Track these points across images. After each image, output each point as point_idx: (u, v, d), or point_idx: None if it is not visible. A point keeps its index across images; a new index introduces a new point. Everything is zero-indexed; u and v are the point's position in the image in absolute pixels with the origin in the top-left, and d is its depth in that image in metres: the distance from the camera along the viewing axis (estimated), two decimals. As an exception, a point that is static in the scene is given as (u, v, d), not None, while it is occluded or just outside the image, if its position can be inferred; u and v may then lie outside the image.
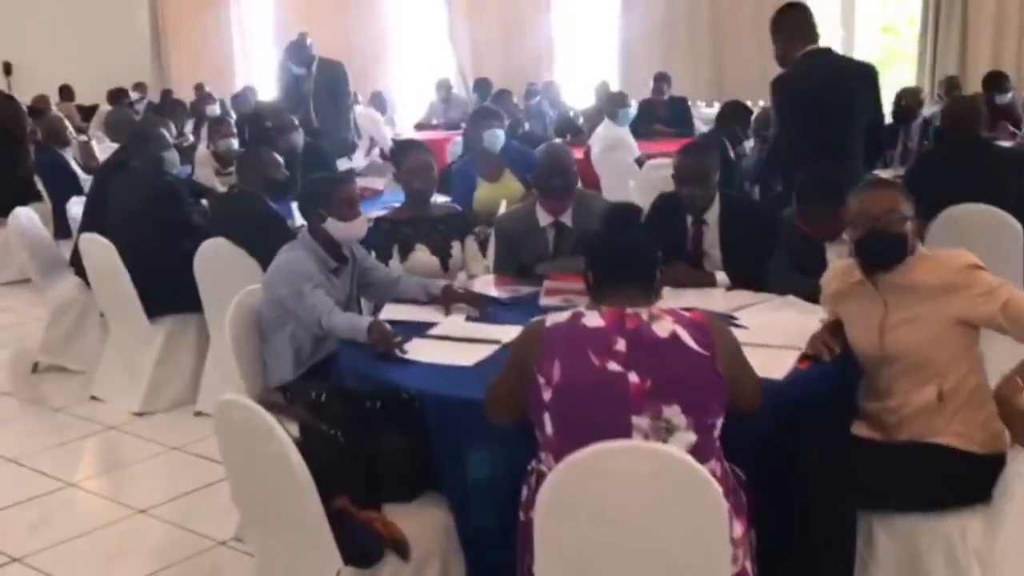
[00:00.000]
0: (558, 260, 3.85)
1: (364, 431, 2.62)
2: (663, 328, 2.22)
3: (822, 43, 4.43)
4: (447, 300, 3.46)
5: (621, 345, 2.20)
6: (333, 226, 3.50)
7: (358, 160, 7.75)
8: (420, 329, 3.19)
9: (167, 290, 4.71)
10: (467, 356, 2.92)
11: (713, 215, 3.77)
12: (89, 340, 5.36)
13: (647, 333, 2.21)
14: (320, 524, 2.38)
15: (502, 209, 5.14)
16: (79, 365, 5.38)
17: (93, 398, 5.03)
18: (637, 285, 2.31)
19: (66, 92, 12.88)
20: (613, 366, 2.19)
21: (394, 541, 2.48)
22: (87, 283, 5.17)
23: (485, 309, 3.42)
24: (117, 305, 4.91)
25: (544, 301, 3.47)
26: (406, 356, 2.93)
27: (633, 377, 2.18)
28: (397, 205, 4.48)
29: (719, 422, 2.24)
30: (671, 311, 2.27)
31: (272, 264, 3.48)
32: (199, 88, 11.92)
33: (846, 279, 2.76)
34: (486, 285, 3.79)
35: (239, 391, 3.47)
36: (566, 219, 3.95)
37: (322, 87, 7.40)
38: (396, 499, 2.63)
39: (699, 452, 2.16)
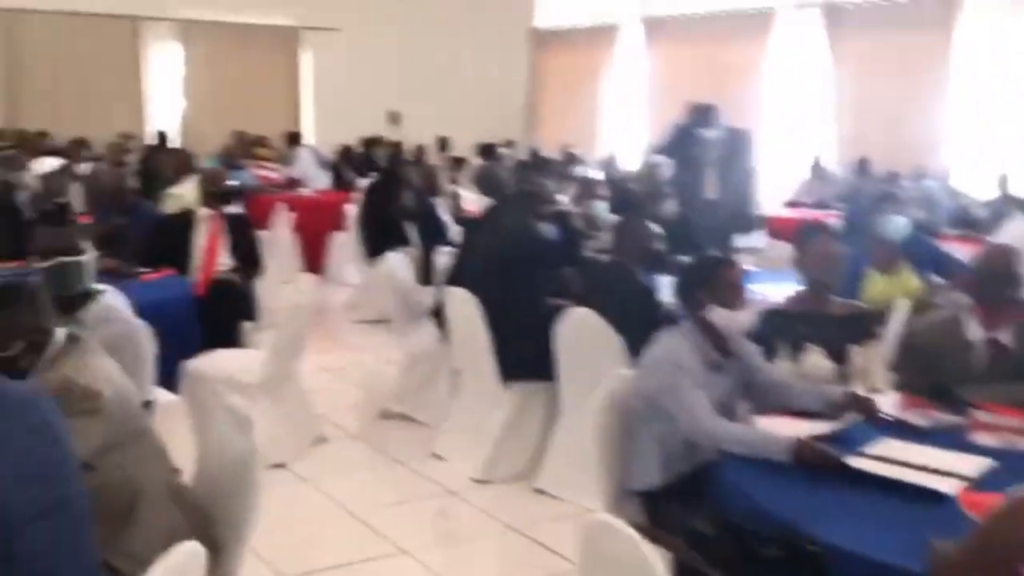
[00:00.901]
0: (993, 386, 3.13)
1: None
2: None
3: None
4: (857, 408, 2.88)
5: None
6: (714, 312, 3.07)
7: (756, 239, 7.19)
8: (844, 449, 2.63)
9: (524, 354, 4.46)
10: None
11: None
12: (439, 394, 5.24)
13: None
14: None
15: (898, 308, 4.45)
16: (426, 418, 5.27)
17: (435, 455, 4.87)
18: None
19: (442, 143, 13.46)
20: None
21: None
22: (445, 335, 5.07)
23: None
24: (473, 362, 4.75)
25: (976, 437, 2.81)
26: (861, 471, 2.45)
27: None
28: (779, 290, 3.96)
29: None
30: None
31: (647, 350, 3.08)
32: (566, 149, 12.00)
33: None
34: (891, 404, 3.15)
35: (588, 477, 3.11)
36: (1005, 336, 3.23)
37: (726, 155, 7.00)
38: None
39: None
